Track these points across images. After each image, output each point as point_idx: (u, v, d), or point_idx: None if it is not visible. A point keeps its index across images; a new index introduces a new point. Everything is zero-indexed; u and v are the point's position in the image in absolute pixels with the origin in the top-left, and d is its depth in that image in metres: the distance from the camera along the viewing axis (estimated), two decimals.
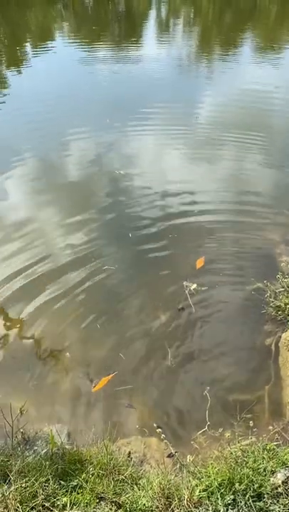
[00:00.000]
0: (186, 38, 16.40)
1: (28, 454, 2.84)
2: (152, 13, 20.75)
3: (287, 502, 2.56)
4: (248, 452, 2.80)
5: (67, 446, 3.01)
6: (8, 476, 2.59)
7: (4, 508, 2.45)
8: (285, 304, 4.25)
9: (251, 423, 2.98)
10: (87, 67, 12.26)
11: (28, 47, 14.59)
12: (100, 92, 10.40)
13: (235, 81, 11.23)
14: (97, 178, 6.74)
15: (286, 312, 4.23)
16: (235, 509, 2.51)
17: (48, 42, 15.02)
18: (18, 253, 5.14)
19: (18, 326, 4.28)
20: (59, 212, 5.90)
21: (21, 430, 3.06)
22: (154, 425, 3.29)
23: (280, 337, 4.07)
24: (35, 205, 6.09)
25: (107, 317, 4.35)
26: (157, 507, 2.50)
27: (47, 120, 8.58)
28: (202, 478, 2.67)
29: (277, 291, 4.45)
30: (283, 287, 4.45)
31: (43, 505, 2.50)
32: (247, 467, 2.67)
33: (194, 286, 4.64)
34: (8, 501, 2.45)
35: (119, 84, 10.85)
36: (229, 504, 2.52)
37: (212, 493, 2.57)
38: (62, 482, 2.65)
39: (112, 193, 6.35)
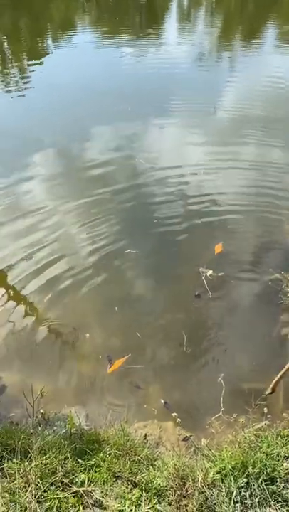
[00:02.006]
0: (208, 28, 16.20)
1: (47, 434, 2.95)
2: (174, 3, 20.56)
3: None
4: (261, 438, 2.86)
5: (85, 427, 3.11)
6: (29, 453, 2.70)
7: (25, 482, 2.56)
8: None
9: (265, 409, 3.02)
10: (108, 57, 12.29)
11: (50, 38, 14.69)
12: (121, 83, 10.41)
13: (259, 71, 11.10)
14: (119, 166, 6.81)
15: None
16: (248, 491, 2.57)
17: (70, 33, 15.09)
18: (39, 235, 5.31)
19: (38, 309, 4.41)
20: (80, 196, 6.04)
21: (41, 411, 3.17)
22: (162, 401, 3.43)
23: None
24: (57, 190, 6.22)
25: (124, 301, 4.45)
26: (172, 487, 2.58)
27: (68, 110, 8.71)
28: (216, 461, 2.73)
29: None
30: None
31: (62, 482, 2.60)
32: (260, 452, 2.73)
33: (210, 272, 4.69)
34: (29, 476, 2.56)
35: (140, 74, 10.85)
36: (242, 487, 2.58)
37: (225, 476, 2.63)
38: (80, 460, 2.75)
39: (132, 180, 6.45)
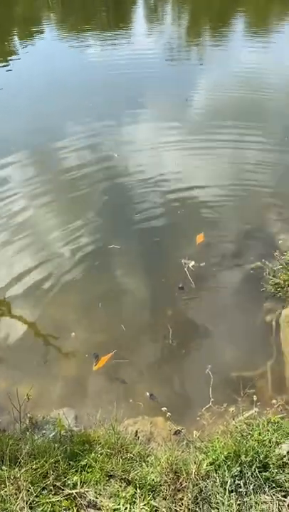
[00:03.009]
0: (176, 23, 16.19)
1: (37, 438, 2.89)
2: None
3: None
4: (252, 426, 2.86)
5: (74, 429, 3.06)
6: (19, 458, 2.64)
7: (16, 489, 2.50)
8: (284, 281, 4.28)
9: (255, 397, 3.02)
10: (76, 55, 12.15)
11: (16, 37, 14.42)
12: (89, 79, 10.32)
13: (228, 64, 11.14)
14: (94, 161, 6.76)
15: (285, 289, 4.27)
16: (242, 480, 2.57)
17: (36, 31, 14.86)
18: (20, 233, 5.24)
19: (19, 310, 4.33)
20: (55, 193, 6.00)
21: (29, 415, 3.10)
22: (147, 394, 3.43)
23: (280, 313, 4.11)
24: (31, 188, 6.14)
25: (108, 297, 4.42)
26: (166, 481, 2.55)
27: (36, 107, 8.60)
28: (209, 452, 2.72)
29: (275, 268, 4.48)
30: (281, 265, 4.48)
31: (54, 485, 2.55)
32: (252, 440, 2.73)
33: (192, 263, 4.68)
34: (20, 482, 2.50)
35: (108, 70, 10.75)
36: (236, 476, 2.58)
37: (219, 466, 2.62)
38: (71, 462, 2.70)
39: (111, 175, 6.41)
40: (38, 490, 2.52)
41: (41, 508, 2.45)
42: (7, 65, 11.48)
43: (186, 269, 4.65)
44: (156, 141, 7.31)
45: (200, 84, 9.81)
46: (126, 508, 2.48)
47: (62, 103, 8.88)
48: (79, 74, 10.66)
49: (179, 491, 2.53)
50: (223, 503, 2.49)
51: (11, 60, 11.97)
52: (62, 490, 2.54)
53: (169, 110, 8.41)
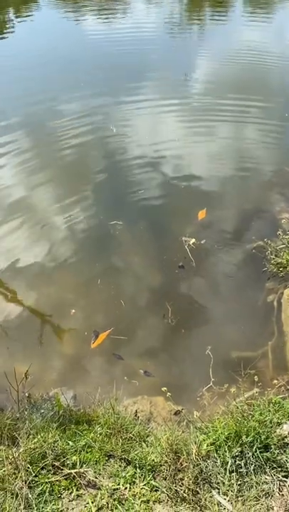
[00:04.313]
0: None
1: (35, 418, 2.85)
2: None
3: None
4: (253, 406, 2.82)
5: (73, 408, 3.02)
6: (17, 438, 2.61)
7: (15, 469, 2.47)
8: (287, 261, 4.21)
9: (256, 378, 2.98)
10: (72, 28, 11.79)
11: (11, 12, 13.93)
12: (89, 53, 10.01)
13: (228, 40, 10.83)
14: (93, 137, 6.63)
15: (288, 269, 4.20)
16: (243, 460, 2.55)
17: (33, 5, 14.35)
18: (16, 210, 5.14)
19: (18, 287, 4.26)
20: (54, 169, 5.88)
21: (27, 394, 3.06)
22: (141, 371, 3.43)
23: (282, 293, 4.05)
24: (30, 164, 5.98)
25: (107, 274, 4.35)
26: (166, 462, 2.53)
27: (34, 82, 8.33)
28: (209, 432, 2.69)
29: (278, 248, 4.40)
30: (284, 244, 4.40)
31: (53, 465, 2.52)
32: (253, 420, 2.69)
33: (193, 240, 4.61)
34: (18, 462, 2.47)
35: (106, 45, 10.42)
36: (237, 456, 2.56)
37: (220, 447, 2.60)
38: (70, 442, 2.67)
39: (109, 151, 6.29)
40: (37, 470, 2.50)
41: (40, 488, 2.43)
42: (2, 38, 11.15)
43: (186, 246, 4.57)
44: (156, 116, 7.13)
45: (200, 60, 9.53)
46: (126, 488, 2.46)
47: (58, 77, 8.62)
48: (76, 47, 10.33)
49: (179, 471, 2.51)
50: (223, 483, 2.47)
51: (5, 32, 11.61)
52: (62, 470, 2.51)
53: (168, 85, 8.18)
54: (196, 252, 4.56)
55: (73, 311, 4.02)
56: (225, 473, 2.49)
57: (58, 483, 2.47)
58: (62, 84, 8.32)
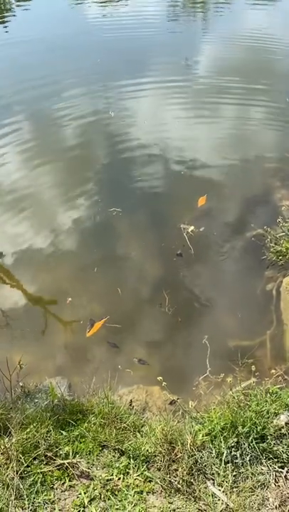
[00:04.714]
0: None
1: (28, 407, 2.80)
2: None
3: None
4: (250, 396, 2.77)
5: (68, 398, 2.98)
6: (9, 428, 2.57)
7: (6, 459, 2.44)
8: (287, 249, 4.12)
9: (253, 367, 2.93)
10: (74, 12, 11.55)
11: None
12: (89, 39, 9.82)
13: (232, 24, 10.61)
14: (93, 121, 6.52)
15: (287, 257, 4.12)
16: (239, 451, 2.51)
17: None
18: (13, 195, 5.08)
19: (13, 275, 4.20)
20: (54, 154, 5.80)
21: (21, 384, 3.02)
22: (135, 360, 3.40)
23: (282, 282, 3.98)
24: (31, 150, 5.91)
25: (104, 262, 4.29)
26: (160, 452, 2.49)
27: (36, 67, 8.19)
28: (205, 422, 2.65)
29: (277, 236, 4.31)
30: (284, 232, 4.31)
31: (46, 455, 2.49)
32: (250, 410, 2.65)
33: (192, 228, 4.54)
34: (10, 452, 2.43)
35: (107, 30, 10.21)
36: (232, 447, 2.52)
37: (215, 437, 2.56)
38: (63, 432, 2.63)
39: (109, 136, 6.21)
40: (29, 460, 2.46)
41: (32, 479, 2.40)
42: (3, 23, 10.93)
43: (185, 234, 4.49)
44: (156, 101, 7.00)
45: (202, 45, 9.34)
46: (119, 479, 2.43)
47: (58, 62, 8.45)
48: (78, 32, 10.12)
49: (173, 461, 2.47)
50: (218, 474, 2.43)
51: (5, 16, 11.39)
52: (54, 460, 2.48)
53: (170, 70, 8.02)
54: (194, 239, 4.48)
55: (69, 299, 3.96)
56: (220, 464, 2.46)
57: (50, 473, 2.44)
58: (62, 68, 8.15)
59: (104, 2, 12.22)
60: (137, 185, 5.27)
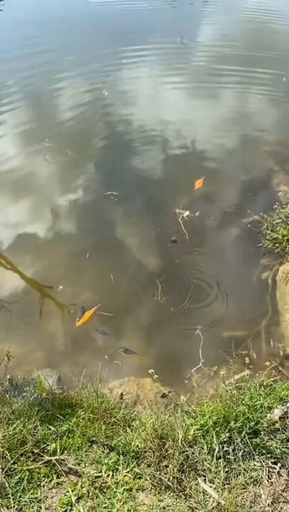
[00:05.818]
0: None
1: (16, 401, 2.72)
2: None
3: (284, 437, 2.49)
4: (244, 389, 2.70)
5: (56, 391, 2.90)
6: None
7: None
8: (283, 236, 4.02)
9: (247, 360, 2.85)
10: None
11: None
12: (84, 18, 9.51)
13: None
14: (89, 103, 6.36)
15: (283, 245, 4.01)
16: (231, 446, 2.45)
17: None
18: (8, 179, 4.96)
19: (5, 261, 4.10)
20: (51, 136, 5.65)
21: (8, 376, 2.94)
22: (120, 350, 3.33)
23: (277, 270, 3.89)
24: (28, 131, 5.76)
25: (97, 248, 4.19)
26: (150, 448, 2.43)
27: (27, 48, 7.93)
28: (197, 417, 2.58)
29: (274, 222, 4.20)
30: (281, 218, 4.20)
31: (33, 452, 2.42)
32: (243, 404, 2.58)
33: (187, 213, 4.43)
34: None
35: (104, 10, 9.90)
36: (225, 442, 2.46)
37: (207, 432, 2.50)
38: (52, 428, 2.56)
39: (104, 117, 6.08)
40: (16, 456, 2.39)
41: (18, 476, 2.33)
42: None
43: (180, 219, 4.37)
44: (152, 82, 6.80)
45: (199, 24, 9.05)
46: (108, 476, 2.36)
47: (52, 41, 8.17)
48: (72, 10, 9.80)
49: (164, 457, 2.41)
50: (210, 470, 2.38)
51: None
52: (42, 456, 2.41)
53: (166, 49, 7.77)
54: (189, 225, 4.37)
55: (61, 287, 3.85)
56: (212, 460, 2.40)
57: (37, 470, 2.37)
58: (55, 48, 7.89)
59: None
60: (134, 168, 5.13)
